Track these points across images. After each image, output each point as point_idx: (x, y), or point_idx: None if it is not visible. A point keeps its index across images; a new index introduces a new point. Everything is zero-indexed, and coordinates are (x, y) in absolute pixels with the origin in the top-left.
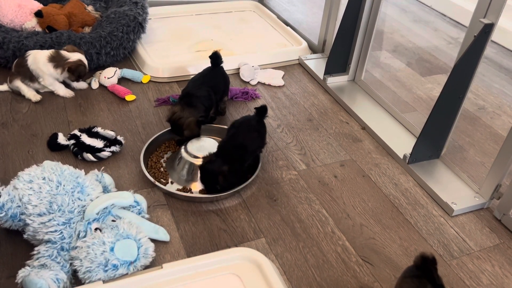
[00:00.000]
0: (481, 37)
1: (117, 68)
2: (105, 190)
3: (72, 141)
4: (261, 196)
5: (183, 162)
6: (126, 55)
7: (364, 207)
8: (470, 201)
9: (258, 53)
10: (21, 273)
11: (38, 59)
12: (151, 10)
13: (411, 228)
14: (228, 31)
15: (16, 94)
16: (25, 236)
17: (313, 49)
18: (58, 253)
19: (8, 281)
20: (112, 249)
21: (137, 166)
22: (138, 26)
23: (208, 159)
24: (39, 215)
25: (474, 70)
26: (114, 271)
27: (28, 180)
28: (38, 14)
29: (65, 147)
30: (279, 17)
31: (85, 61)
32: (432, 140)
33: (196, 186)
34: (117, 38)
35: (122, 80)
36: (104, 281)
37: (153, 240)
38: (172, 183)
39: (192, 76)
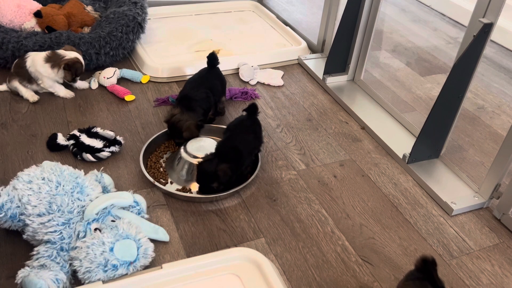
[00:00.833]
0: (480, 36)
1: (117, 68)
2: (105, 190)
3: (72, 142)
4: (261, 196)
5: (183, 162)
6: (125, 55)
7: (363, 207)
8: (469, 201)
9: (258, 53)
10: (21, 274)
11: (36, 61)
12: (151, 10)
13: (411, 227)
14: (227, 31)
15: (15, 94)
16: (24, 236)
17: (312, 49)
18: (57, 253)
19: (7, 281)
20: (111, 249)
21: (137, 166)
22: (137, 26)
23: (206, 159)
24: (39, 215)
25: (474, 70)
26: (114, 271)
27: (28, 180)
28: (37, 14)
29: (65, 147)
30: (278, 17)
31: (82, 60)
32: (432, 139)
33: (196, 186)
34: (117, 38)
35: (121, 80)
36: (103, 282)
37: (152, 240)
38: (171, 183)
39: (189, 77)
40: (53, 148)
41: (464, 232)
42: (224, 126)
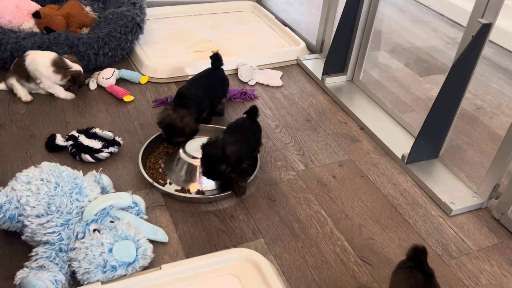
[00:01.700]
0: (479, 37)
1: (115, 69)
2: (104, 191)
3: (70, 142)
4: (260, 197)
5: (182, 163)
6: (124, 56)
7: (362, 207)
8: (468, 201)
9: (256, 54)
10: (19, 275)
11: (38, 60)
12: (149, 11)
13: (410, 228)
14: (226, 31)
15: (13, 93)
16: (23, 237)
17: (311, 49)
18: (56, 254)
19: (6, 282)
20: (110, 250)
21: (136, 167)
22: (136, 27)
23: (210, 141)
24: (37, 216)
25: (472, 70)
26: (113, 272)
27: (26, 181)
28: (36, 15)
29: (63, 148)
30: (277, 17)
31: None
32: (431, 140)
33: (195, 187)
34: (115, 39)
35: (120, 81)
36: (102, 282)
37: (151, 241)
38: (170, 184)
39: (190, 77)
40: (52, 148)
41: (463, 232)
42: (223, 127)
